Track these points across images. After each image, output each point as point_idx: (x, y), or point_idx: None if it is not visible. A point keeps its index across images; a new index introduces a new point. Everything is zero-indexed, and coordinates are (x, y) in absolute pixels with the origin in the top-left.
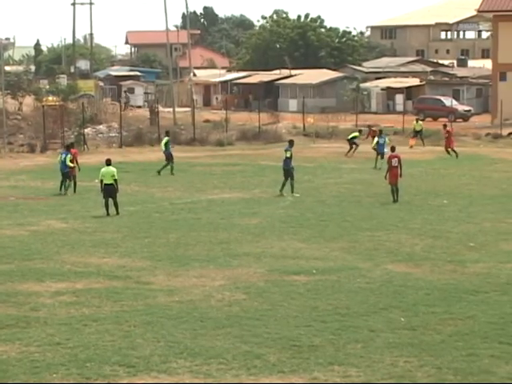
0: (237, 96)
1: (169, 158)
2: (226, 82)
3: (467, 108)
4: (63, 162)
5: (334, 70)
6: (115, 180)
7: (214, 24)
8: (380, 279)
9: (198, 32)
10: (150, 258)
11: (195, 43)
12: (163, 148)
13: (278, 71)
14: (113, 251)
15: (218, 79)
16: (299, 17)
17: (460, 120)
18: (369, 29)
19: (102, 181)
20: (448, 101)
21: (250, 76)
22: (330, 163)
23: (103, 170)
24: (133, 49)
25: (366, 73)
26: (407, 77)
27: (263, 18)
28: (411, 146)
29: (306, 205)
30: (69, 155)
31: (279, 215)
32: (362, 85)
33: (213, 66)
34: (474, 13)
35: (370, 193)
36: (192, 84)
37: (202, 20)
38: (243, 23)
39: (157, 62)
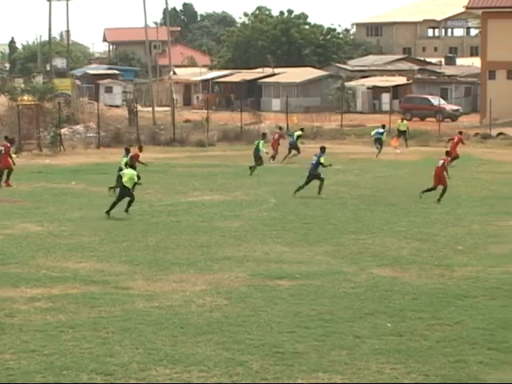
0: (218, 95)
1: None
2: (207, 80)
3: (455, 107)
4: None
5: (319, 68)
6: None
7: (194, 21)
8: (365, 284)
9: (178, 29)
10: (129, 262)
11: (175, 41)
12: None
13: (260, 69)
14: (90, 255)
15: (198, 78)
16: (282, 13)
17: (448, 120)
18: (354, 26)
19: (120, 177)
20: (436, 100)
21: (231, 74)
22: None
23: (127, 171)
24: (111, 46)
25: (352, 71)
26: (394, 75)
27: (245, 14)
28: (395, 147)
29: (289, 207)
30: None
31: (262, 218)
32: (347, 83)
33: (193, 65)
34: (463, 9)
35: (355, 195)
36: (172, 83)
37: (182, 17)
38: (224, 20)
39: (135, 59)
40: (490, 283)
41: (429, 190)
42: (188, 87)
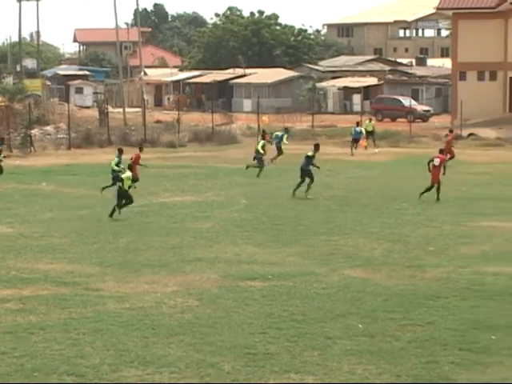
0: (189, 96)
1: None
2: (177, 81)
3: (426, 108)
4: None
5: (290, 69)
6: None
7: (165, 21)
8: (337, 285)
9: (149, 30)
10: (100, 263)
11: (146, 41)
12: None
13: (231, 70)
14: (61, 257)
15: (169, 78)
16: (253, 14)
17: (419, 120)
18: (325, 26)
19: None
20: (407, 101)
21: (202, 75)
22: (286, 165)
23: (126, 175)
24: (81, 47)
25: (323, 72)
26: (365, 76)
27: (216, 15)
28: (365, 147)
29: (260, 208)
30: None
31: (233, 219)
32: (319, 84)
33: (164, 65)
34: (433, 10)
35: (327, 195)
36: (143, 83)
37: (153, 17)
38: (195, 21)
39: (106, 60)
40: (460, 284)
41: (427, 190)
42: (159, 88)
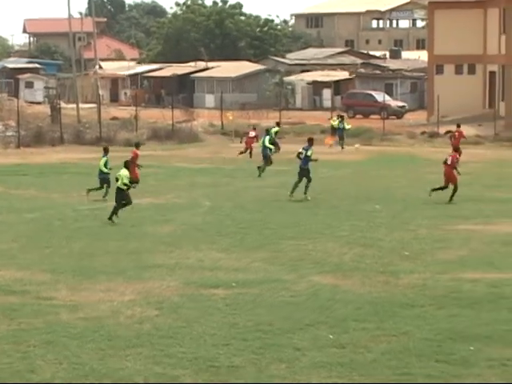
0: (148, 91)
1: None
2: (135, 75)
3: (401, 104)
4: None
5: (255, 62)
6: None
7: (121, 11)
8: (305, 292)
9: (105, 20)
10: (51, 270)
11: (101, 32)
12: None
13: (192, 63)
14: (9, 263)
15: (126, 72)
16: (216, 3)
17: (393, 117)
18: (293, 17)
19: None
20: (380, 96)
21: (162, 69)
22: (251, 165)
23: (122, 172)
24: (31, 38)
25: (290, 65)
26: (335, 70)
27: (177, 4)
28: (330, 145)
29: (224, 211)
30: None
31: (195, 222)
32: (286, 78)
33: (121, 58)
34: (408, 0)
35: (295, 197)
36: (98, 77)
37: (109, 7)
38: (154, 10)
39: (58, 53)
40: (437, 291)
41: (440, 188)
42: (115, 82)
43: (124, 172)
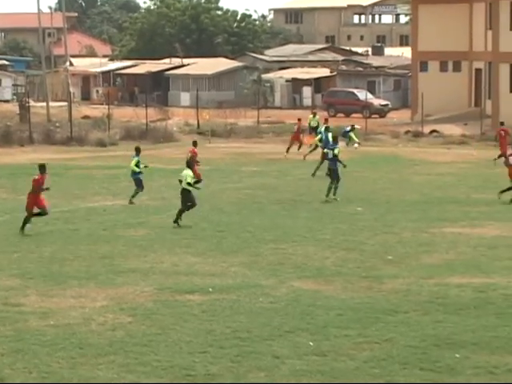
0: (120, 88)
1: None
2: (107, 72)
3: (384, 102)
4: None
5: (232, 58)
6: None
7: (93, 6)
8: (285, 298)
9: (75, 15)
10: (20, 275)
11: (72, 28)
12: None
13: (167, 60)
14: None
15: (98, 69)
16: None
17: (376, 116)
18: (271, 12)
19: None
20: (362, 94)
21: (135, 66)
22: (228, 166)
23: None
24: None
25: (269, 62)
26: (316, 67)
27: None
28: (310, 145)
29: (200, 213)
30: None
31: (170, 225)
32: (264, 76)
33: (92, 54)
34: None
35: (274, 199)
36: (68, 75)
37: (80, 1)
38: (127, 5)
39: (27, 49)
40: (422, 297)
41: (509, 189)
42: (86, 80)
43: (187, 172)
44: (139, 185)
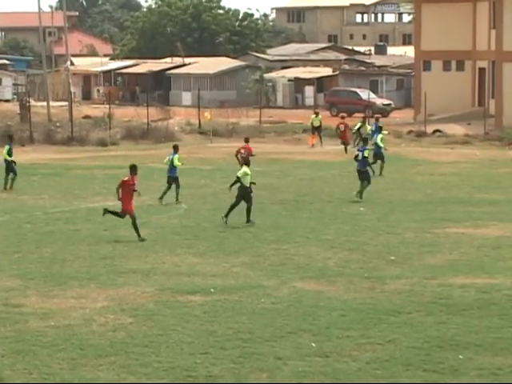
0: (122, 88)
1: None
2: (108, 71)
3: (387, 102)
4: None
5: (234, 57)
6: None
7: (94, 5)
8: (288, 299)
9: (76, 14)
10: (21, 276)
11: (73, 27)
12: (176, 164)
13: (169, 59)
14: None
15: (99, 68)
16: None
17: (378, 115)
18: (274, 11)
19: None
20: (365, 93)
21: (136, 65)
22: (230, 165)
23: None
24: (0, 33)
25: (271, 61)
26: (318, 66)
27: None
28: (312, 145)
29: (202, 213)
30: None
31: (171, 226)
32: (267, 75)
33: (93, 54)
34: None
35: (276, 199)
36: (69, 74)
37: (81, 0)
38: (128, 4)
39: (28, 48)
40: (425, 297)
41: None
42: (87, 79)
43: (245, 169)
44: (177, 183)
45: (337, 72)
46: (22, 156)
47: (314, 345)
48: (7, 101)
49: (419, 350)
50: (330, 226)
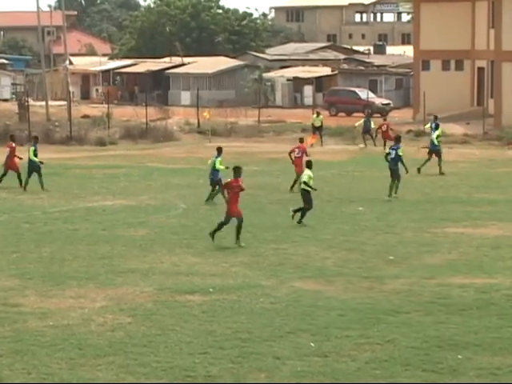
0: (120, 88)
1: None
2: (107, 71)
3: (386, 101)
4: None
5: (233, 57)
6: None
7: (93, 4)
8: (286, 298)
9: (75, 13)
10: (19, 275)
11: (71, 26)
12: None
13: (167, 59)
14: None
15: (98, 68)
16: None
17: (378, 115)
18: (273, 10)
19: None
20: (364, 93)
21: (135, 64)
22: (229, 165)
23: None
24: None
25: (270, 61)
26: (317, 65)
27: None
28: (311, 145)
29: (200, 213)
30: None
31: (170, 225)
32: (265, 74)
33: (92, 53)
34: None
35: (274, 199)
36: (68, 73)
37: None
38: (127, 3)
39: (26, 47)
40: (424, 297)
41: None
42: (86, 78)
43: (307, 172)
44: (220, 184)
45: (336, 71)
46: (21, 155)
47: (312, 344)
48: (6, 100)
49: (418, 350)
50: (329, 226)
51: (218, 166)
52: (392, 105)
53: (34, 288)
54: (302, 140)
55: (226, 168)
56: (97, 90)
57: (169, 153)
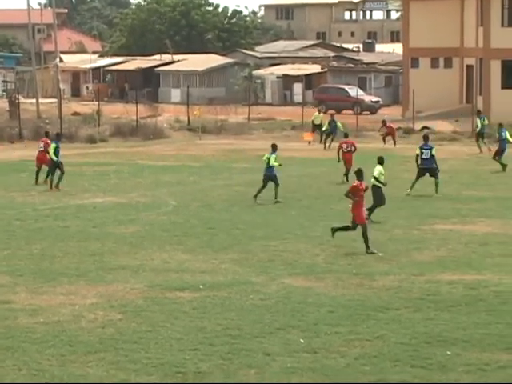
0: (111, 85)
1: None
2: (97, 68)
3: (375, 99)
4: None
5: (223, 55)
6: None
7: (83, 2)
8: (276, 295)
9: (65, 11)
10: (10, 272)
11: (62, 24)
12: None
13: (158, 56)
14: None
15: (88, 65)
16: None
17: (367, 112)
18: (262, 8)
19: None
20: (353, 90)
21: (125, 62)
22: (219, 162)
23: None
24: None
25: (260, 58)
26: (306, 63)
27: None
28: (309, 142)
29: (191, 210)
30: None
31: (160, 222)
32: (255, 72)
33: (82, 51)
34: None
35: (264, 196)
36: (58, 71)
37: None
38: (117, 1)
39: (17, 45)
40: (413, 293)
41: None
42: (76, 76)
43: (379, 168)
44: (276, 181)
45: (325, 69)
46: (12, 152)
47: (302, 341)
48: None
49: (407, 346)
50: (319, 223)
51: (272, 162)
52: (381, 102)
53: (25, 285)
54: (346, 135)
55: (280, 165)
56: (87, 88)
57: (159, 150)
